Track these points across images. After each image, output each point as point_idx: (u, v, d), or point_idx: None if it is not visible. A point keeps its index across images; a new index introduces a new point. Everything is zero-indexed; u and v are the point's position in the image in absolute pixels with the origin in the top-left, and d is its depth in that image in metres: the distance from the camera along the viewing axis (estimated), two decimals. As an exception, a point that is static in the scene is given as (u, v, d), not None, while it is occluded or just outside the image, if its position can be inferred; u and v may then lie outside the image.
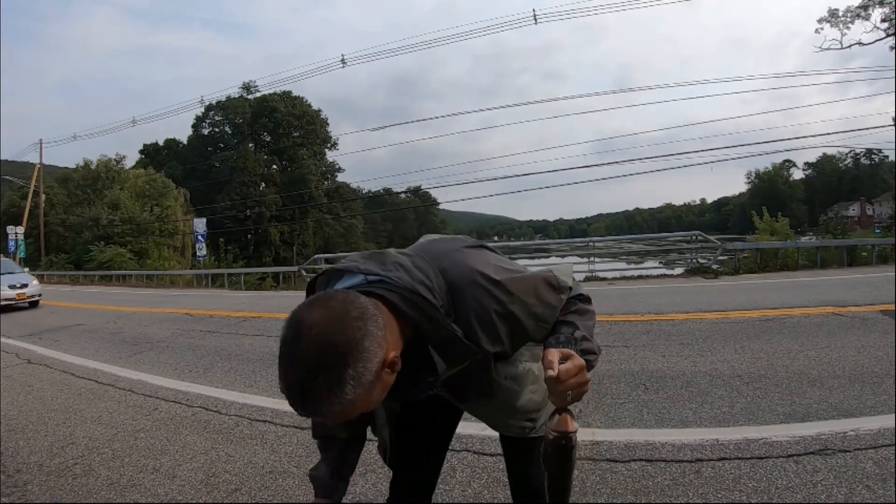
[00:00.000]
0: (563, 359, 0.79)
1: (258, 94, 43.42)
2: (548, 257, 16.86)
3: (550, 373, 0.77)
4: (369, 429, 1.13)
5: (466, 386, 0.95)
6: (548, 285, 0.96)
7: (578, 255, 15.08)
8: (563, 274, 1.00)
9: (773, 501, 1.84)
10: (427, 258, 0.90)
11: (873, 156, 66.48)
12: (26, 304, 11.59)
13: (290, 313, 0.75)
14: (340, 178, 49.58)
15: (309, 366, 0.70)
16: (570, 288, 0.99)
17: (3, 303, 10.93)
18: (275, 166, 45.51)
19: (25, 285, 11.79)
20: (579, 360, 0.79)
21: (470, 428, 2.46)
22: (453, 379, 0.91)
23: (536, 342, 0.98)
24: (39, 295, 12.16)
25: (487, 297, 0.88)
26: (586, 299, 1.00)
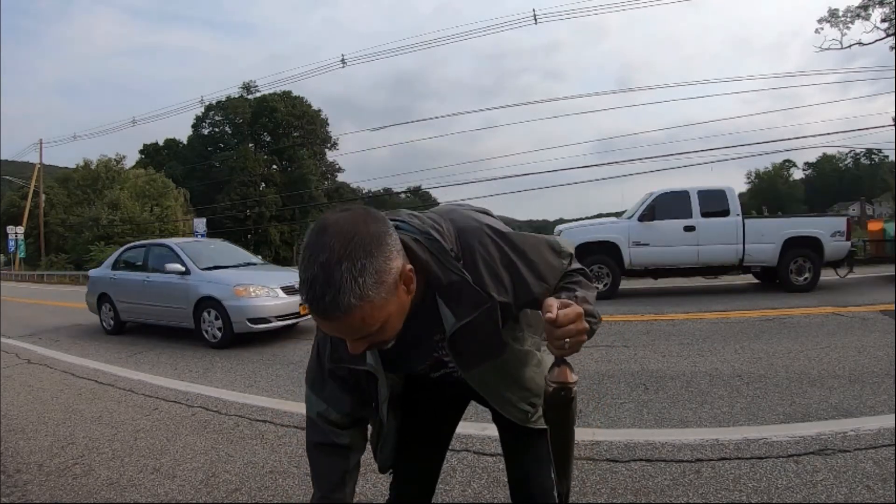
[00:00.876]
0: (563, 307, 0.79)
1: (258, 94, 43.48)
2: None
3: (549, 315, 0.76)
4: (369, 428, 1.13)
5: (472, 344, 0.93)
6: (550, 248, 0.98)
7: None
8: (565, 243, 1.02)
9: (773, 501, 1.84)
10: (437, 212, 0.96)
11: (873, 156, 66.47)
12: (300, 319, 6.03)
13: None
14: (341, 178, 49.62)
15: (332, 254, 0.70)
16: (572, 255, 1.01)
17: (280, 322, 5.73)
18: (275, 166, 45.49)
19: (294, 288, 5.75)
20: (579, 308, 0.79)
21: (470, 428, 2.47)
22: (460, 335, 0.90)
23: (537, 304, 0.96)
24: None
25: (494, 246, 0.91)
26: (587, 275, 1.02)
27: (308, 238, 0.74)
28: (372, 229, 0.73)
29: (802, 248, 7.73)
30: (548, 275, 0.95)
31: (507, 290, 0.91)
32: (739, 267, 7.97)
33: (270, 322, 5.63)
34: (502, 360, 1.00)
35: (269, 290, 5.74)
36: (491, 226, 0.94)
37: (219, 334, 5.64)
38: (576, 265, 1.01)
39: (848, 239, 8.14)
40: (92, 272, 8.17)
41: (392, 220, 0.85)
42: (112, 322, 6.95)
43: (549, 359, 0.88)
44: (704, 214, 7.88)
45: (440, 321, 0.90)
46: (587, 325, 0.79)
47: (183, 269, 6.13)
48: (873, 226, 12.21)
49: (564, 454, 0.89)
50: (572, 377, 0.79)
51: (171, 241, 7.24)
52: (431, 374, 1.06)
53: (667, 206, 8.02)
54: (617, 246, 7.96)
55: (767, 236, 7.79)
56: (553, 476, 1.13)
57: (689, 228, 7.84)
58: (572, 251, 1.02)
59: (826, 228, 7.90)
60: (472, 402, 1.23)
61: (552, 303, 0.78)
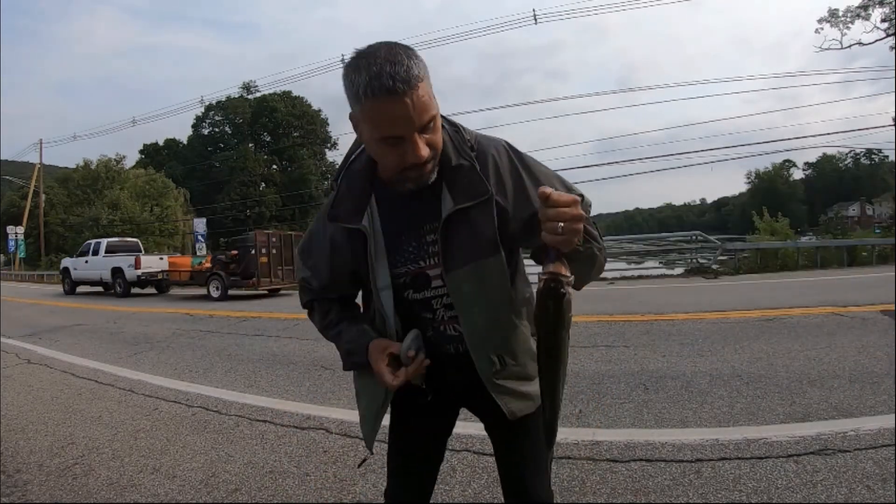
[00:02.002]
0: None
1: (258, 95, 43.50)
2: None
3: (543, 190, 0.77)
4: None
5: (464, 237, 0.93)
6: (561, 181, 0.99)
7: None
8: (578, 189, 1.01)
9: (773, 501, 1.84)
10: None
11: (873, 156, 66.48)
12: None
13: None
14: (341, 178, 49.50)
15: (388, 50, 0.80)
16: (583, 196, 0.96)
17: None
18: (275, 166, 45.50)
19: None
20: (576, 196, 0.79)
21: (470, 428, 2.46)
22: (454, 223, 0.92)
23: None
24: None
25: (506, 156, 0.96)
26: (596, 228, 0.98)
27: (350, 62, 0.82)
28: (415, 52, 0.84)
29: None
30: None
31: (508, 197, 0.94)
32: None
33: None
34: (490, 284, 0.95)
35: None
36: (510, 143, 0.99)
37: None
38: (588, 205, 0.98)
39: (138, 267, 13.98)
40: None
41: None
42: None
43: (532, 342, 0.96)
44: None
45: (439, 212, 0.93)
46: (582, 214, 0.78)
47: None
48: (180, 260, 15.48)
49: (553, 369, 0.84)
50: (566, 272, 0.78)
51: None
52: (414, 294, 1.00)
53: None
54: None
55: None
56: (545, 481, 1.11)
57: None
58: (587, 197, 0.98)
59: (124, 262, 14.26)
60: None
61: (549, 188, 0.79)
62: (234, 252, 12.33)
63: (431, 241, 0.96)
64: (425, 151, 0.84)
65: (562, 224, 0.76)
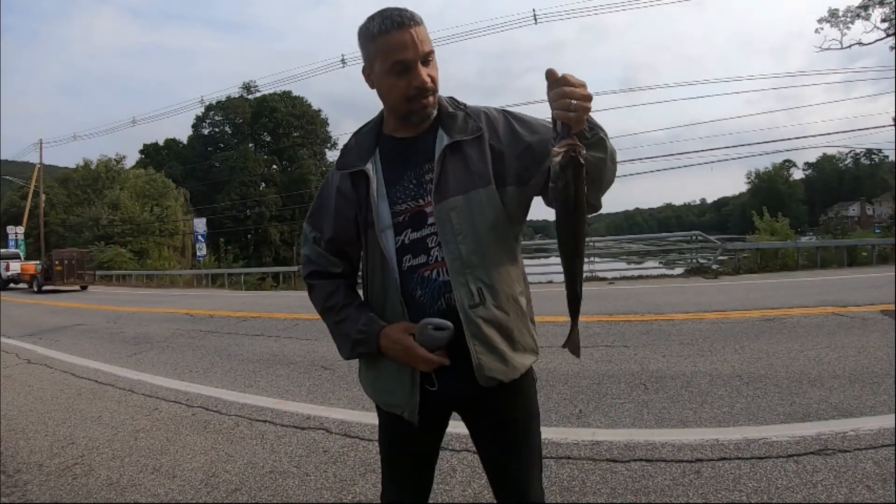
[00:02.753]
0: None
1: (258, 94, 43.46)
2: (547, 257, 16.87)
3: (553, 71, 0.84)
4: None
5: (458, 168, 1.00)
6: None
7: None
8: None
9: (773, 501, 1.84)
10: None
11: (873, 156, 66.48)
12: None
13: None
14: (341, 178, 49.51)
15: (396, 5, 0.97)
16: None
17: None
18: (275, 166, 45.44)
19: None
20: (583, 80, 0.84)
21: (470, 428, 2.47)
22: (450, 155, 1.00)
23: (533, 156, 1.02)
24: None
25: (498, 112, 1.07)
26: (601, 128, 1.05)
27: (364, 22, 0.98)
28: None
29: None
30: (541, 128, 1.03)
31: (502, 140, 1.03)
32: None
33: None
34: (479, 215, 0.99)
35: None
36: (503, 108, 1.10)
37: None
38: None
39: None
40: None
41: None
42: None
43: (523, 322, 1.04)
44: None
45: (433, 153, 1.01)
46: (591, 95, 0.84)
47: None
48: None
49: (574, 242, 0.89)
50: (578, 143, 0.82)
51: None
52: (412, 233, 1.02)
53: None
54: None
55: None
56: (536, 482, 1.11)
57: None
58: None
59: None
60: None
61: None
62: (51, 262, 18.65)
63: (429, 180, 1.02)
64: (427, 78, 0.97)
65: (573, 101, 0.82)
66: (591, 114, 0.89)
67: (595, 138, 0.93)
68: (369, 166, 1.03)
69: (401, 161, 1.04)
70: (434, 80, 0.99)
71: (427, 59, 0.97)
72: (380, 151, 1.06)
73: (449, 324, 0.95)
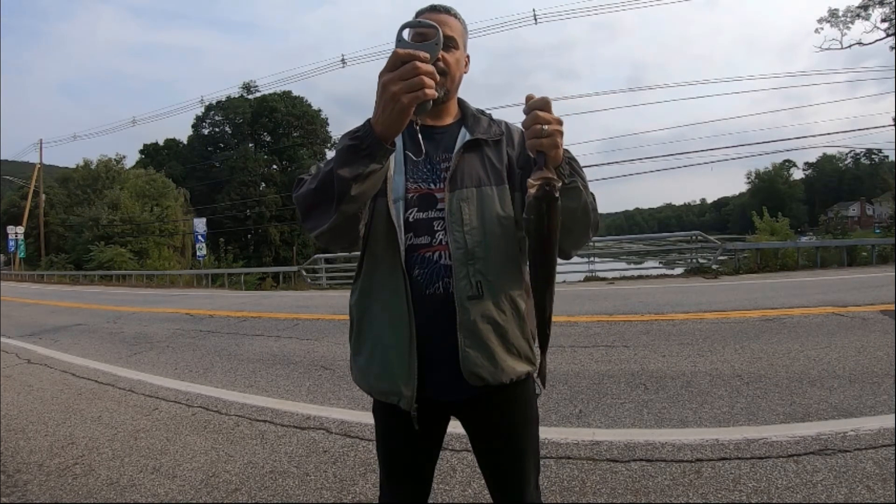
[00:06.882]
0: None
1: (258, 94, 43.46)
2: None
3: (529, 94, 0.86)
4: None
5: (473, 165, 1.05)
6: None
7: (578, 255, 15.06)
8: None
9: (773, 501, 1.84)
10: None
11: (873, 156, 66.50)
12: None
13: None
14: (341, 178, 49.46)
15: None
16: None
17: None
18: (275, 166, 45.44)
19: None
20: (548, 98, 0.86)
21: (470, 428, 2.47)
22: (468, 152, 1.05)
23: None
24: None
25: (518, 128, 1.12)
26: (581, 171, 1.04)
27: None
28: None
29: None
30: None
31: (515, 149, 1.09)
32: None
33: None
34: (488, 212, 1.02)
35: None
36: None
37: None
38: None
39: None
40: None
41: None
42: None
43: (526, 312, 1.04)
44: None
45: (455, 146, 1.06)
46: (560, 119, 0.85)
47: None
48: None
49: (545, 275, 0.88)
50: (555, 176, 0.82)
51: None
52: (418, 213, 1.03)
53: None
54: None
55: None
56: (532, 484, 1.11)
57: None
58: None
59: None
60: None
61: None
62: None
63: (444, 168, 1.06)
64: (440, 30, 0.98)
65: (544, 128, 0.83)
66: (579, 158, 0.94)
67: (571, 185, 0.92)
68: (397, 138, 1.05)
69: (420, 148, 1.08)
70: (450, 66, 1.03)
71: (449, 43, 1.02)
72: (405, 132, 1.07)
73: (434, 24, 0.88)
